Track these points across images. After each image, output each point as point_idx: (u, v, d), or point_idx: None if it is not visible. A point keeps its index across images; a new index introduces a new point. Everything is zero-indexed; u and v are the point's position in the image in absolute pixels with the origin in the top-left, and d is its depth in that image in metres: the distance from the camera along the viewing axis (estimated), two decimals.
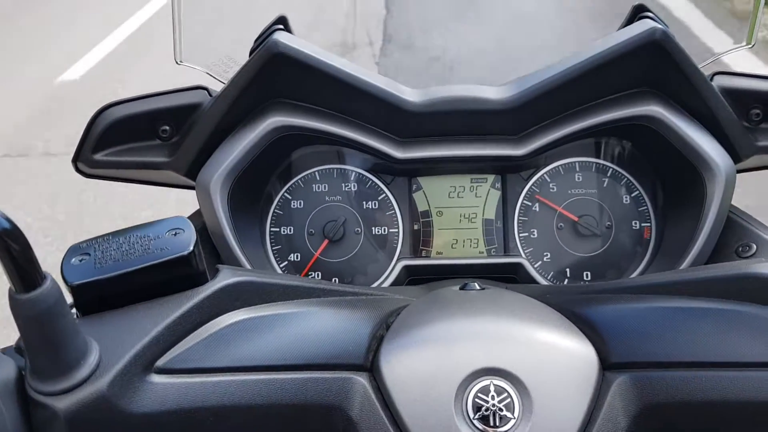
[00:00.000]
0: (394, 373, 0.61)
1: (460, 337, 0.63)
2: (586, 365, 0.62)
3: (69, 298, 0.60)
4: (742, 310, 0.64)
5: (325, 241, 1.04)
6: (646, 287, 0.70)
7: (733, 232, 0.98)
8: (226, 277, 0.64)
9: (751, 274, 0.66)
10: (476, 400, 0.58)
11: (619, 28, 1.00)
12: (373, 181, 1.07)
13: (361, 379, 0.61)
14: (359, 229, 1.05)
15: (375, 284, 1.04)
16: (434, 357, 0.62)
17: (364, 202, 1.06)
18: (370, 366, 0.63)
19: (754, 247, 0.95)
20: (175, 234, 0.63)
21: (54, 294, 0.51)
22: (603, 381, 0.62)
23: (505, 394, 0.58)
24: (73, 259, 0.61)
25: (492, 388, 0.59)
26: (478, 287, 0.79)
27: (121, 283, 0.60)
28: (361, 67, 0.98)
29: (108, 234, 0.63)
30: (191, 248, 0.61)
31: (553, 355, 0.62)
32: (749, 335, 0.62)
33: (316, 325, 0.65)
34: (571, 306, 0.71)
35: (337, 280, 1.04)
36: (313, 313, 0.67)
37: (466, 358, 0.61)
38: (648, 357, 0.63)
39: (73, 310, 0.61)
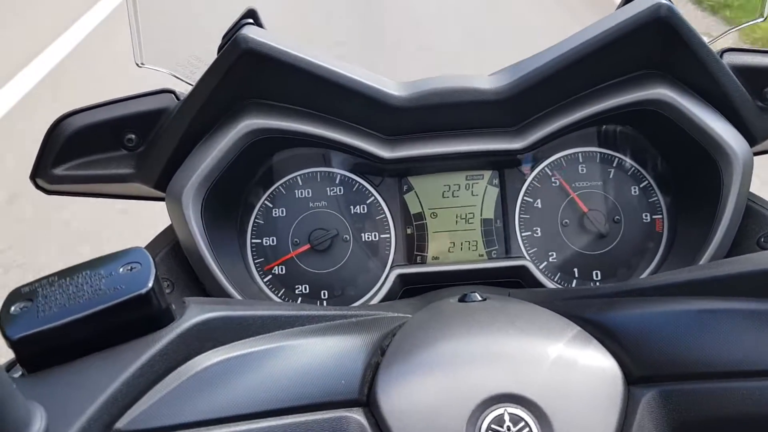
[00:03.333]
0: (394, 406, 0.54)
1: (465, 360, 0.56)
2: (608, 382, 0.55)
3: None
4: None
5: (307, 246, 0.96)
6: (667, 287, 0.63)
7: (754, 221, 0.91)
8: (194, 315, 0.56)
9: None
10: None
11: (619, 6, 0.92)
12: (360, 184, 0.99)
13: (357, 417, 0.54)
14: (347, 237, 0.98)
15: (368, 295, 0.96)
16: (438, 385, 0.55)
17: (352, 207, 0.98)
18: (366, 400, 0.56)
19: None
20: (131, 269, 0.55)
21: None
22: (629, 398, 0.55)
23: (522, 423, 0.52)
24: (13, 308, 0.52)
25: (507, 417, 0.52)
26: (479, 297, 0.72)
27: (69, 333, 0.52)
28: (341, 60, 0.90)
29: (53, 274, 0.55)
30: (150, 285, 0.53)
31: (571, 373, 0.55)
32: None
33: (302, 359, 0.58)
34: (585, 313, 0.63)
35: (326, 292, 0.97)
36: (296, 346, 0.59)
37: (474, 385, 0.54)
38: (678, 368, 0.55)
39: (17, 369, 0.53)
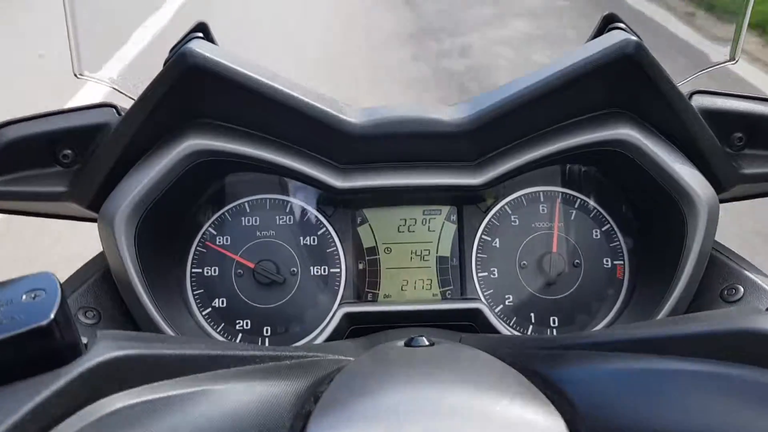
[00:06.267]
0: None
1: (405, 413, 0.51)
2: None
3: None
4: (740, 374, 0.52)
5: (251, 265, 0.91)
6: (622, 343, 0.58)
7: (717, 272, 0.87)
8: (101, 351, 0.50)
9: (747, 331, 0.54)
10: None
11: (587, 41, 0.89)
12: (311, 214, 0.93)
13: None
14: (295, 269, 0.92)
15: (313, 334, 0.90)
16: None
17: (301, 238, 0.93)
18: None
19: (741, 290, 0.84)
20: (34, 297, 0.49)
21: None
22: None
23: None
24: None
25: None
26: (426, 342, 0.67)
27: None
28: (297, 81, 0.85)
29: None
30: (52, 316, 0.47)
31: (516, 429, 0.50)
32: (747, 404, 0.51)
33: (221, 406, 0.52)
34: (534, 365, 0.59)
35: (269, 329, 0.91)
36: (216, 391, 0.53)
37: None
38: (627, 430, 0.51)
39: None
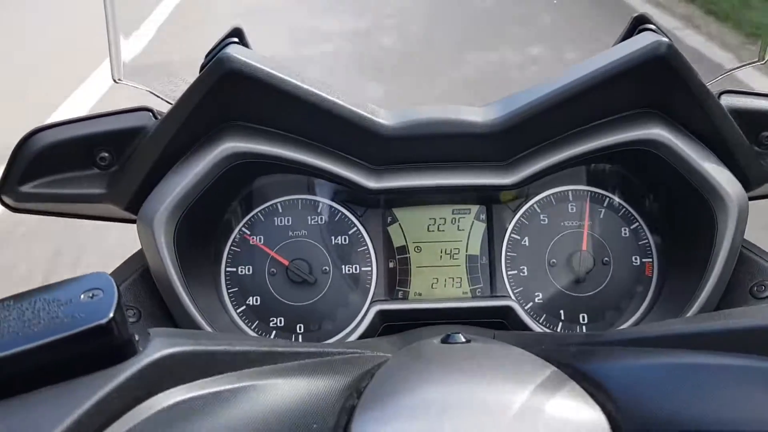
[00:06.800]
0: None
1: (446, 408, 0.52)
2: None
3: None
4: None
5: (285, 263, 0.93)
6: (657, 339, 0.59)
7: (747, 268, 0.88)
8: (157, 348, 0.51)
9: None
10: None
11: (617, 42, 0.90)
12: (342, 214, 0.95)
13: None
14: (327, 268, 0.93)
15: (346, 331, 0.92)
16: None
17: (333, 238, 0.94)
18: None
19: None
20: (92, 296, 0.50)
21: None
22: None
23: None
24: None
25: None
26: (462, 339, 0.68)
27: (20, 363, 0.47)
28: (330, 84, 0.86)
29: (8, 298, 0.51)
30: (111, 314, 0.49)
31: (557, 425, 0.51)
32: None
33: (271, 401, 0.54)
34: (574, 361, 0.60)
35: (302, 326, 0.92)
36: (266, 386, 0.55)
37: None
38: (669, 424, 0.51)
39: None
